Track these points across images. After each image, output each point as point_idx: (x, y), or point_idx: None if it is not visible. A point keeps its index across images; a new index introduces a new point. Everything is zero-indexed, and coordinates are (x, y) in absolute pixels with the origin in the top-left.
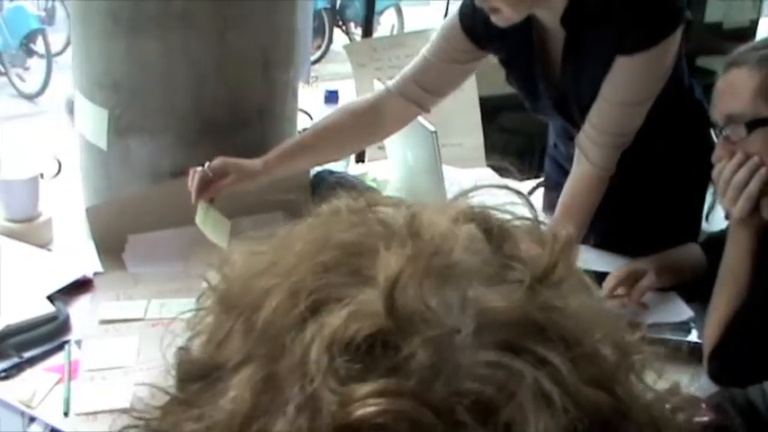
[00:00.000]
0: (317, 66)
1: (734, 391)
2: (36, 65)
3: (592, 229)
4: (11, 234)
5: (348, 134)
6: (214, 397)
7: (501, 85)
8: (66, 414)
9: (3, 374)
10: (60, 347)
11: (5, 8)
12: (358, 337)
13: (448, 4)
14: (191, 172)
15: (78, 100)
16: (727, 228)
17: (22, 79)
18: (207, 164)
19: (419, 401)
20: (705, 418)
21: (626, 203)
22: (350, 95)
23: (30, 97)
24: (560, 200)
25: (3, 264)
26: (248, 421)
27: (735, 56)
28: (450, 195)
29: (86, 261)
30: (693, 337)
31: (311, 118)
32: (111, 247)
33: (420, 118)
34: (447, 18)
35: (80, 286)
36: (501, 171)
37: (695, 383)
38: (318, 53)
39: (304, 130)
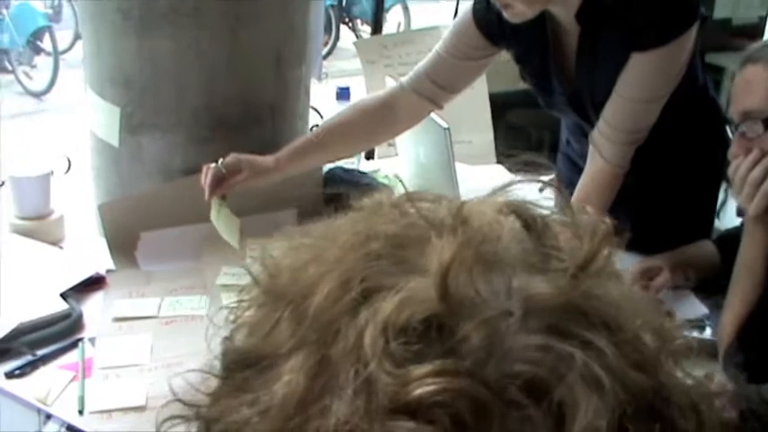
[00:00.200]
0: (323, 63)
1: (749, 388)
2: (43, 62)
3: None
4: (23, 232)
5: (360, 131)
6: (267, 382)
7: (511, 82)
8: (80, 412)
9: (17, 372)
10: (74, 345)
11: (12, 5)
12: (413, 321)
13: (458, 2)
14: (204, 168)
15: (90, 97)
16: (742, 224)
17: (28, 77)
18: (220, 160)
19: (476, 380)
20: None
21: (640, 200)
22: (360, 92)
23: (36, 95)
24: (574, 196)
25: (15, 261)
26: (303, 405)
27: (751, 52)
28: (461, 192)
29: (99, 258)
30: (708, 334)
31: (321, 116)
32: (123, 244)
33: (433, 114)
34: (460, 14)
35: (93, 284)
36: (518, 167)
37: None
38: (325, 50)
39: (315, 126)
